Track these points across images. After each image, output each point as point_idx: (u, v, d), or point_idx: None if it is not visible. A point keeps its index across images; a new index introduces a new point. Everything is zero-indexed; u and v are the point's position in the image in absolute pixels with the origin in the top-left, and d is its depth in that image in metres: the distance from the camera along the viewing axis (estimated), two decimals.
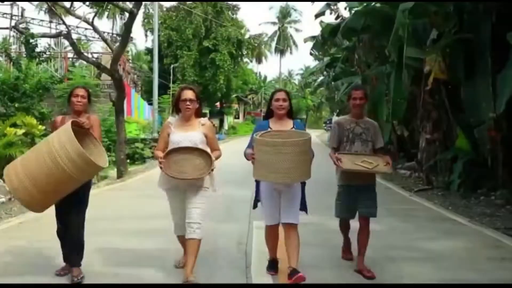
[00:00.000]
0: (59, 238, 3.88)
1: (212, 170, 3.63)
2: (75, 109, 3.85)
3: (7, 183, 3.60)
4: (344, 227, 4.34)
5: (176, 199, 3.79)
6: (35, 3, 32.49)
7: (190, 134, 3.72)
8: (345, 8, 14.63)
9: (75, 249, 3.75)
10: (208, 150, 3.72)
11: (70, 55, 20.45)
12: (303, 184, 3.84)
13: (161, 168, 3.58)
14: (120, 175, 11.23)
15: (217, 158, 3.74)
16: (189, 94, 3.76)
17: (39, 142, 3.70)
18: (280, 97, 3.81)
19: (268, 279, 3.85)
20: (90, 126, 3.71)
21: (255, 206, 4.03)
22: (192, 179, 3.60)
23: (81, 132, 3.59)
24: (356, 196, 4.01)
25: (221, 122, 39.12)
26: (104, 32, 18.72)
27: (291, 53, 66.45)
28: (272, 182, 3.60)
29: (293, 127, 3.83)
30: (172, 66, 30.85)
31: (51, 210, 3.78)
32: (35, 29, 25.36)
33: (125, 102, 12.16)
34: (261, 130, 3.76)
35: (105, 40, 13.58)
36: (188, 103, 3.73)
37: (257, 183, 3.87)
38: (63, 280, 3.70)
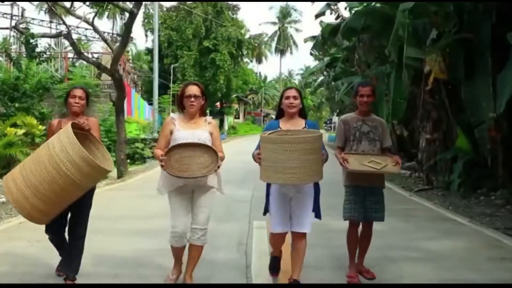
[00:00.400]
0: (55, 246, 3.74)
1: (219, 167, 3.38)
2: (72, 111, 3.65)
3: (5, 194, 3.33)
4: (353, 236, 3.87)
5: (181, 201, 3.52)
6: (35, 3, 32.57)
7: (197, 131, 3.50)
8: (345, 8, 14.63)
9: (70, 259, 3.58)
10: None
11: (70, 55, 20.50)
12: (317, 189, 3.56)
13: (162, 166, 3.31)
14: (120, 175, 11.25)
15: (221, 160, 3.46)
16: (193, 89, 3.55)
17: (39, 147, 3.42)
18: (290, 95, 3.54)
19: (268, 279, 3.85)
20: (90, 127, 3.52)
21: (264, 213, 3.71)
22: (198, 178, 3.35)
23: (81, 134, 3.40)
24: (364, 197, 3.78)
25: (221, 122, 39.14)
26: (104, 32, 18.70)
27: (291, 53, 66.71)
28: (280, 183, 3.31)
29: (305, 127, 3.53)
30: (172, 66, 30.91)
31: None
32: (35, 29, 25.29)
33: (125, 102, 12.17)
34: (270, 130, 3.50)
35: (105, 40, 13.57)
36: (192, 99, 3.51)
37: (267, 187, 3.60)
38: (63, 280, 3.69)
